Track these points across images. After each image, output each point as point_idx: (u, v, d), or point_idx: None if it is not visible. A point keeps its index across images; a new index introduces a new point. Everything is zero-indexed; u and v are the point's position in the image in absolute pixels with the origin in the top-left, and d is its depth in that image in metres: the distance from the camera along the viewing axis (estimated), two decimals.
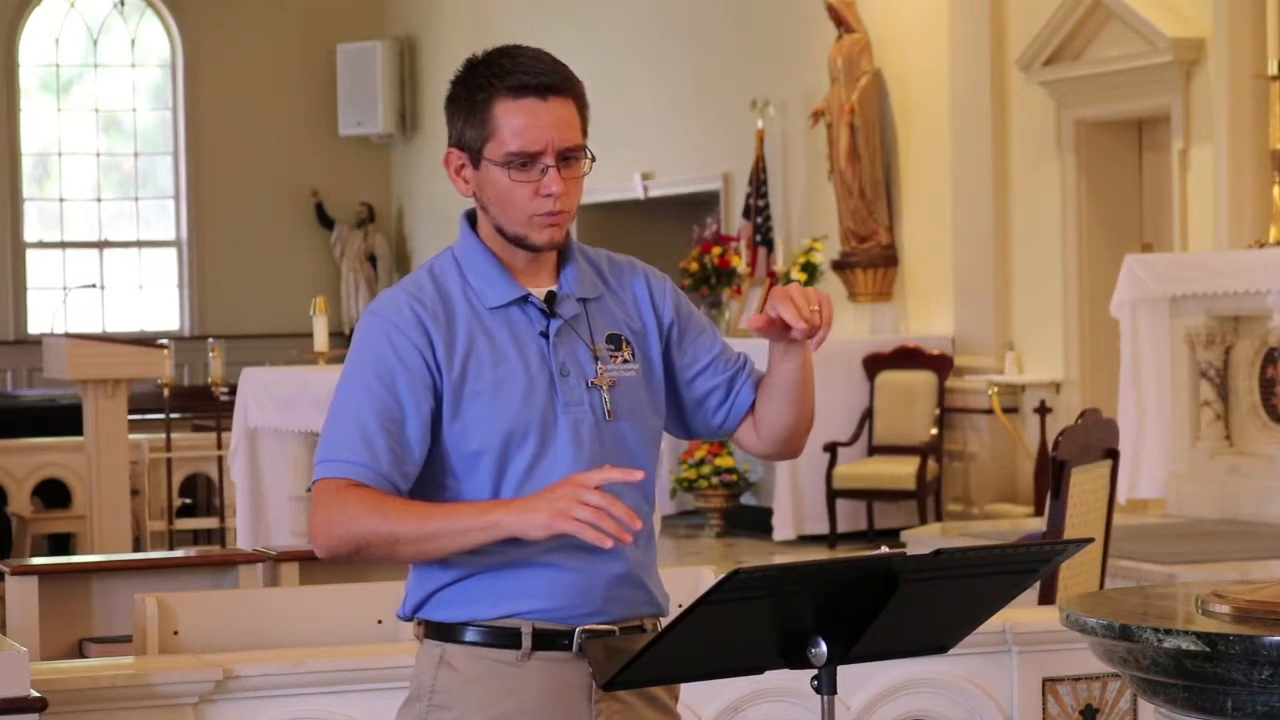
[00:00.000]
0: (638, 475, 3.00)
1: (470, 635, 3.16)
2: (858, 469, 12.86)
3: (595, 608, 3.16)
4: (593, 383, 3.18)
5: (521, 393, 3.14)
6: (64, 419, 13.40)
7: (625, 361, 3.23)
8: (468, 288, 3.19)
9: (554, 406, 3.15)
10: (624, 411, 3.20)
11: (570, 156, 3.17)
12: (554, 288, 3.22)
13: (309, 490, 3.24)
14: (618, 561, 3.17)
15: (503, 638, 3.14)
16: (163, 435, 12.62)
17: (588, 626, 3.15)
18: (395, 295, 3.19)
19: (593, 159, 3.20)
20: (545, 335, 3.18)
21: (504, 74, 3.15)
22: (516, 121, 3.14)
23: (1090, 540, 3.40)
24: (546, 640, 3.14)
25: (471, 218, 3.26)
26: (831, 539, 12.75)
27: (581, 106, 3.20)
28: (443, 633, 3.19)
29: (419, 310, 3.15)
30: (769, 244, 14.52)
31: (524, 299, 3.19)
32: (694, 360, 3.31)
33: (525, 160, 3.14)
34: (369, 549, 3.08)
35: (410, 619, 3.25)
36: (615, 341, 3.23)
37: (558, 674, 3.15)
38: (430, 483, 3.17)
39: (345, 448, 3.10)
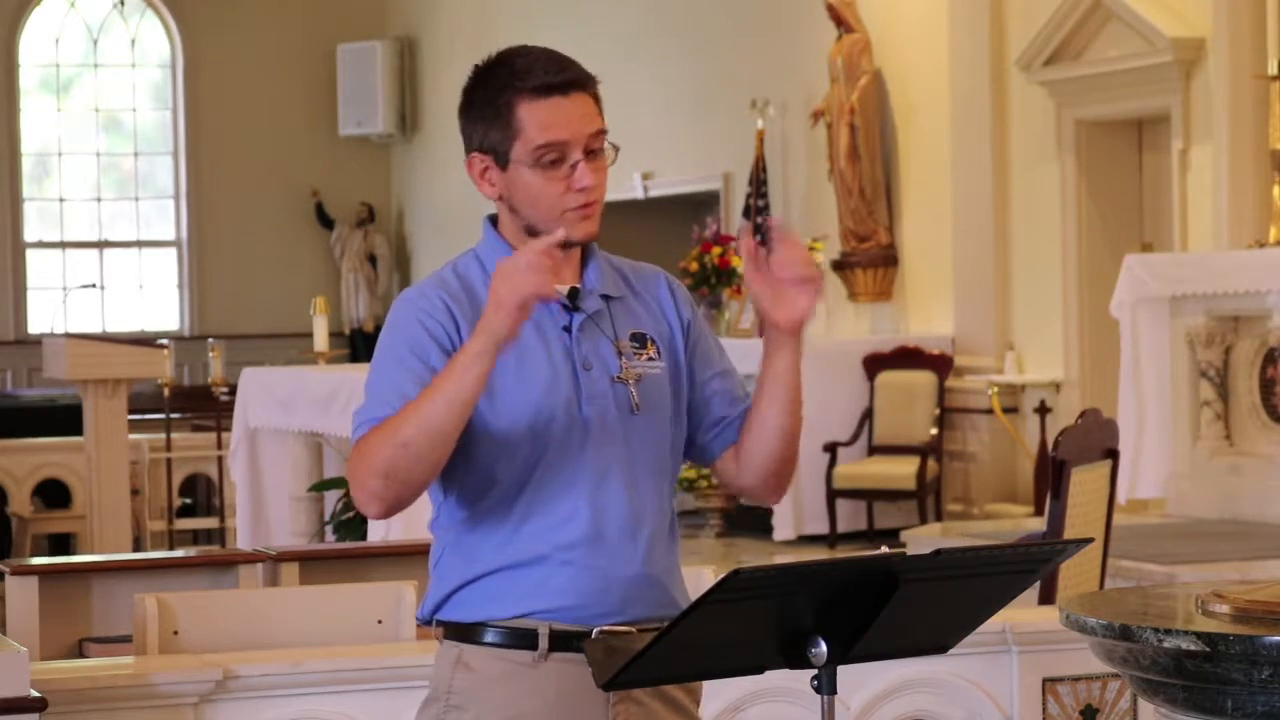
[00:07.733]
0: (558, 236, 3.05)
1: (488, 636, 3.16)
2: (858, 469, 12.86)
3: (613, 608, 3.15)
4: (618, 378, 3.19)
5: (545, 384, 3.15)
6: (64, 419, 13.40)
7: (651, 359, 3.24)
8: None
9: (578, 399, 3.16)
10: (650, 406, 3.21)
11: (596, 149, 3.18)
12: (577, 285, 3.23)
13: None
14: (637, 563, 3.17)
15: (520, 638, 3.14)
16: (163, 435, 12.62)
17: (605, 628, 3.14)
18: (422, 287, 3.21)
19: (616, 150, 3.22)
20: (568, 330, 3.20)
21: (524, 74, 3.16)
22: (542, 117, 3.15)
23: (1090, 540, 3.40)
24: (564, 641, 3.14)
25: (494, 220, 3.27)
26: (831, 539, 12.74)
27: (598, 100, 3.22)
28: (460, 633, 3.18)
29: (446, 298, 3.17)
30: (769, 244, 14.50)
31: None
32: (706, 364, 3.32)
33: (555, 156, 3.15)
34: (395, 470, 3.05)
35: (429, 622, 3.24)
36: (640, 340, 3.25)
37: (575, 675, 3.13)
38: (464, 466, 3.15)
39: (385, 406, 3.09)
